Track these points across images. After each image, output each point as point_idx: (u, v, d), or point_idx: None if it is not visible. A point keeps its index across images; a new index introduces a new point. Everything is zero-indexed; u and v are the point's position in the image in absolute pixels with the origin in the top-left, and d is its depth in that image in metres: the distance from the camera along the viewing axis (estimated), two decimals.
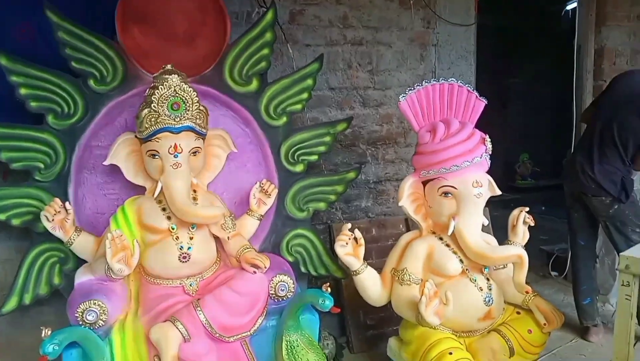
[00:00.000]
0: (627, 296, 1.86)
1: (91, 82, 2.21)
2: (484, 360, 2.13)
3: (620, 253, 1.88)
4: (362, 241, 2.18)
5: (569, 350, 3.01)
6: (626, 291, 1.85)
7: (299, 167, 2.53)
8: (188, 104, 2.01)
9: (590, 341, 3.07)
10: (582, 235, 3.11)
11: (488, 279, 2.24)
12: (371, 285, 2.23)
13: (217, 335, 1.97)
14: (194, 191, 2.16)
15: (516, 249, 2.17)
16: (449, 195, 2.17)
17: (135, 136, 2.10)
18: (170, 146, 2.00)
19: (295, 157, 2.51)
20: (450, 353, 2.06)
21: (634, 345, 1.94)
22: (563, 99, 4.13)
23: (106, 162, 2.11)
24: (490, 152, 2.20)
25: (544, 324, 2.22)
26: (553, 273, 4.10)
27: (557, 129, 5.62)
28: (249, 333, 2.06)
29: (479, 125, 2.26)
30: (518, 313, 2.30)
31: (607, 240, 3.24)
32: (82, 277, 2.06)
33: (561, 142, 4.96)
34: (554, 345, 2.92)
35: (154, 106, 1.98)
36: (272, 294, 2.12)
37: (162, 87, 1.98)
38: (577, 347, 3.04)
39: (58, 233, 2.09)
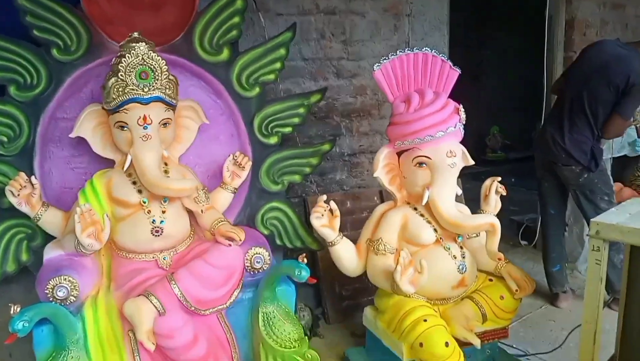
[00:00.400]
0: (597, 261, 1.89)
1: (54, 52, 2.11)
2: (458, 326, 2.16)
3: (591, 219, 1.91)
4: (337, 213, 2.18)
5: (538, 316, 3.08)
6: (596, 256, 1.89)
7: (273, 140, 2.49)
8: (157, 73, 1.94)
9: (560, 307, 3.16)
10: (552, 204, 3.17)
11: (461, 248, 2.27)
12: (347, 256, 2.24)
13: (193, 308, 1.94)
14: (165, 164, 2.11)
15: (489, 218, 2.19)
16: (424, 165, 2.17)
17: (103, 107, 2.02)
18: (140, 117, 1.93)
19: (269, 129, 2.46)
20: (425, 320, 2.10)
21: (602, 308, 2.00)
22: (534, 72, 4.16)
23: (72, 135, 2.03)
24: (464, 122, 2.20)
25: (516, 290, 2.26)
26: (523, 242, 4.19)
27: (527, 102, 5.67)
28: (225, 305, 2.04)
29: (451, 98, 2.25)
30: (490, 280, 2.34)
31: (576, 209, 3.31)
32: (51, 253, 2.00)
33: (531, 115, 5.03)
34: (524, 311, 2.99)
35: (121, 75, 1.90)
36: (247, 266, 2.10)
37: (129, 55, 1.91)
38: (546, 313, 3.12)
39: (24, 209, 2.01)
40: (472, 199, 2.61)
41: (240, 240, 2.06)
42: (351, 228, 2.96)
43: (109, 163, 2.13)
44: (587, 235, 1.96)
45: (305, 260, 2.10)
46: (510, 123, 7.16)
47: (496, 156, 7.14)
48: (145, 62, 1.92)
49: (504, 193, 2.39)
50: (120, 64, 1.91)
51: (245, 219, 2.43)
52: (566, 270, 3.27)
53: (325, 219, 2.16)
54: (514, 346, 2.64)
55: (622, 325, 2.25)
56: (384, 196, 3.19)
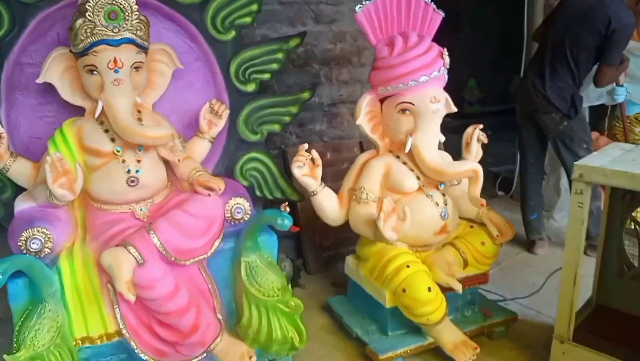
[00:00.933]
0: (579, 203, 1.91)
1: None
2: (440, 272, 2.18)
3: (575, 163, 1.92)
4: (319, 162, 2.13)
5: (516, 262, 3.15)
6: (579, 199, 1.90)
7: (251, 87, 2.39)
8: (127, 13, 1.82)
9: (536, 253, 3.23)
10: (531, 153, 3.19)
11: (444, 195, 2.26)
12: (329, 205, 2.22)
13: (173, 258, 1.89)
14: (139, 112, 2.01)
15: (471, 164, 2.18)
16: (407, 112, 2.12)
17: (70, 51, 1.90)
18: (110, 60, 1.82)
19: (246, 76, 2.36)
20: (408, 267, 2.12)
21: None
22: (512, 24, 4.10)
23: (39, 80, 1.91)
24: (448, 67, 2.15)
25: (497, 236, 2.28)
26: (500, 193, 4.25)
27: (504, 55, 5.61)
28: (206, 256, 1.99)
29: None
30: (471, 226, 2.36)
31: (553, 159, 3.34)
32: (22, 205, 1.91)
33: (508, 68, 4.99)
34: (501, 258, 2.99)
35: (88, 15, 1.77)
36: (228, 217, 2.05)
37: None
38: (523, 259, 3.19)
39: None
40: (449, 152, 2.59)
41: (220, 190, 2.00)
42: (331, 179, 2.89)
43: (79, 111, 2.02)
44: (571, 179, 1.96)
45: (288, 209, 2.06)
46: (488, 77, 7.13)
47: (473, 110, 7.12)
48: (114, 2, 1.80)
49: (485, 141, 2.38)
50: (88, 4, 1.78)
51: (223, 171, 2.37)
52: (543, 218, 3.32)
53: (306, 169, 2.12)
54: (493, 291, 2.68)
55: (600, 267, 2.30)
56: (364, 146, 3.15)
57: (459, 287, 2.15)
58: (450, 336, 2.17)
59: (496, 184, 4.28)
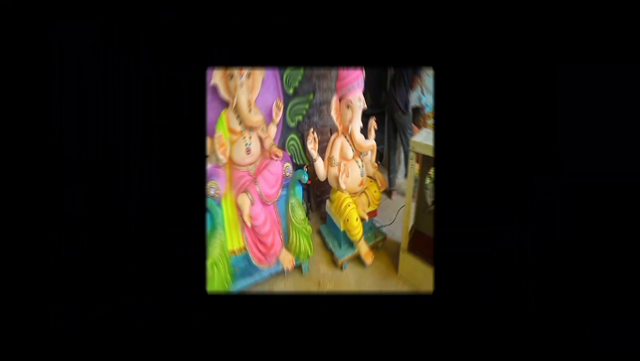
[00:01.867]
0: (412, 165, 2.08)
1: None
2: (360, 210, 2.38)
3: (411, 139, 2.12)
4: (317, 139, 2.27)
5: (384, 204, 2.85)
6: (412, 162, 2.07)
7: (291, 90, 2.50)
8: None
9: (392, 199, 3.19)
10: (392, 136, 3.25)
11: (362, 161, 2.40)
12: (321, 168, 2.34)
13: (264, 200, 2.06)
14: (249, 105, 2.08)
15: (372, 141, 2.39)
16: (349, 107, 2.23)
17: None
18: (238, 72, 1.93)
19: (289, 83, 2.47)
20: (349, 205, 2.30)
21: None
22: None
23: (211, 84, 1.94)
24: (364, 79, 2.26)
25: (380, 186, 2.45)
26: (377, 162, 4.26)
27: (381, 79, 5.70)
28: (276, 199, 2.14)
29: None
30: (371, 181, 2.48)
31: (399, 137, 3.33)
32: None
33: (380, 88, 5.28)
34: None
35: None
36: (284, 175, 2.18)
37: None
38: (388, 203, 3.13)
39: None
40: None
41: (279, 157, 2.14)
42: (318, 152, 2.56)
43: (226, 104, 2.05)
44: (409, 150, 2.08)
45: (307, 168, 2.30)
46: (371, 93, 7.02)
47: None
48: None
49: (377, 128, 2.45)
50: None
51: (280, 145, 2.41)
52: (396, 177, 3.35)
53: (313, 144, 2.22)
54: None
55: (417, 207, 2.40)
56: (332, 130, 2.95)
57: (367, 218, 2.37)
58: (364, 247, 2.35)
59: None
